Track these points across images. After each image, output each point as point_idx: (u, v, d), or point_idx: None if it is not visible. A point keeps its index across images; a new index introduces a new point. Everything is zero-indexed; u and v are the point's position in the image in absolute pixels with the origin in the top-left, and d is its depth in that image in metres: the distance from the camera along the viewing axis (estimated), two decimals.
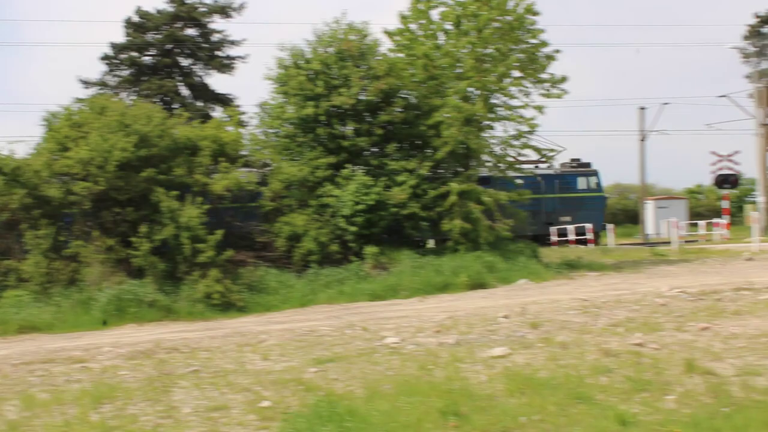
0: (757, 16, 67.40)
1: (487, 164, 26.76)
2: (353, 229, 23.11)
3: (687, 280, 20.52)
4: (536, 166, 43.65)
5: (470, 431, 7.36)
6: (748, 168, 64.16)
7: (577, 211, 42.51)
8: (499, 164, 26.65)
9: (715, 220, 44.33)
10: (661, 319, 13.46)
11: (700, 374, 9.21)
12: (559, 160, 43.44)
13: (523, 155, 27.60)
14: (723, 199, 45.22)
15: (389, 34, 26.02)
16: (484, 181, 27.35)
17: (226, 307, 19.74)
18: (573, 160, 44.66)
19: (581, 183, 43.81)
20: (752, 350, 10.48)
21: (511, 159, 26.82)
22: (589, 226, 39.54)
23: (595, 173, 44.51)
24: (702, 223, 45.73)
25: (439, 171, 25.88)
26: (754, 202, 47.55)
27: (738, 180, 49.00)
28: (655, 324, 12.95)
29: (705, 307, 14.49)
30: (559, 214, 42.51)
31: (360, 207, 22.89)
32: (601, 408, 7.79)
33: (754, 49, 62.20)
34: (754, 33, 67.16)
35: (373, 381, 9.86)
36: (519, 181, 41.32)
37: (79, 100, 23.79)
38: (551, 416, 7.68)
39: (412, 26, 25.92)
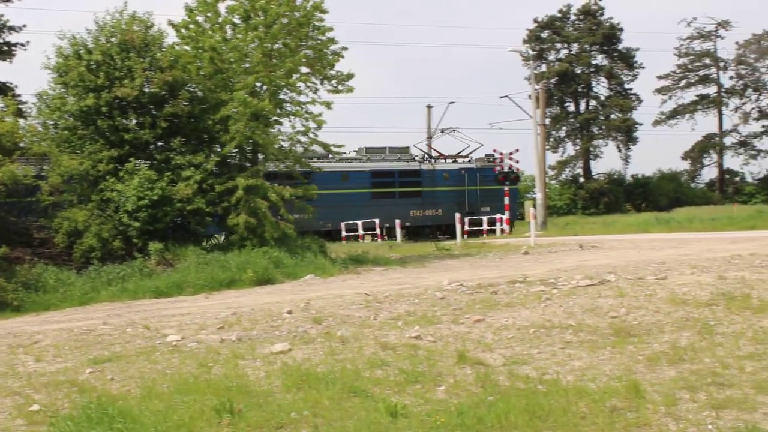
0: (536, 22, 70.90)
1: (276, 159, 26.78)
2: (137, 224, 22.59)
3: (467, 273, 21.29)
4: (455, 160, 46.67)
5: (244, 428, 7.35)
6: (528, 166, 67.42)
7: (495, 201, 46.48)
8: (287, 159, 26.70)
9: (497, 216, 46.14)
10: (439, 312, 13.88)
11: (470, 365, 9.57)
12: (477, 155, 47.95)
13: (311, 151, 27.86)
14: (504, 196, 47.06)
15: (175, 26, 25.56)
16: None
17: (0, 307, 18.83)
18: (488, 155, 48.53)
19: (497, 176, 47.44)
20: (521, 340, 10.99)
21: (299, 154, 26.97)
22: (377, 221, 40.62)
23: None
24: (485, 218, 47.48)
25: (227, 166, 25.71)
26: (533, 199, 49.75)
27: (518, 177, 51.13)
28: (433, 317, 13.35)
29: (481, 299, 15.04)
30: (480, 204, 46.24)
31: (143, 202, 22.39)
32: (374, 401, 7.95)
33: (533, 52, 65.26)
34: (533, 37, 70.57)
35: (150, 380, 9.68)
36: (445, 175, 45.15)
37: None
38: (325, 410, 7.77)
39: (199, 18, 25.59)
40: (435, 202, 45.47)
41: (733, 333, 10.53)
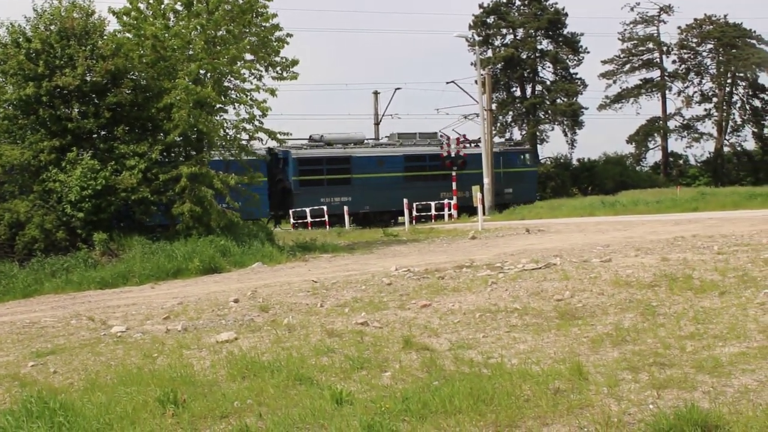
0: (481, 7, 71.05)
1: (221, 148, 26.56)
2: (80, 215, 22.30)
3: (414, 259, 21.32)
4: (477, 145, 48.43)
5: (188, 419, 7.28)
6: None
7: (517, 183, 50.02)
8: (232, 147, 26.51)
9: (445, 201, 46.32)
10: (386, 298, 13.87)
11: (416, 350, 9.58)
12: (498, 140, 50.84)
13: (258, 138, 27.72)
14: (452, 181, 47.23)
15: (116, 13, 25.20)
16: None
17: None
18: (507, 140, 52.52)
19: (520, 160, 50.91)
20: (466, 325, 11.03)
21: (244, 142, 26.79)
22: (325, 208, 40.86)
23: (529, 151, 52.31)
24: (433, 203, 47.67)
25: (171, 154, 25.48)
26: (480, 184, 50.02)
27: (465, 162, 51.29)
28: (380, 303, 13.34)
29: (428, 285, 15.04)
30: (504, 186, 49.47)
31: (87, 192, 22.09)
32: (320, 388, 7.92)
33: (479, 38, 65.49)
34: (478, 23, 70.72)
35: (94, 372, 9.58)
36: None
37: None
38: (270, 399, 7.73)
39: (141, 5, 25.25)
40: (462, 184, 47.72)
41: (675, 314, 10.66)
